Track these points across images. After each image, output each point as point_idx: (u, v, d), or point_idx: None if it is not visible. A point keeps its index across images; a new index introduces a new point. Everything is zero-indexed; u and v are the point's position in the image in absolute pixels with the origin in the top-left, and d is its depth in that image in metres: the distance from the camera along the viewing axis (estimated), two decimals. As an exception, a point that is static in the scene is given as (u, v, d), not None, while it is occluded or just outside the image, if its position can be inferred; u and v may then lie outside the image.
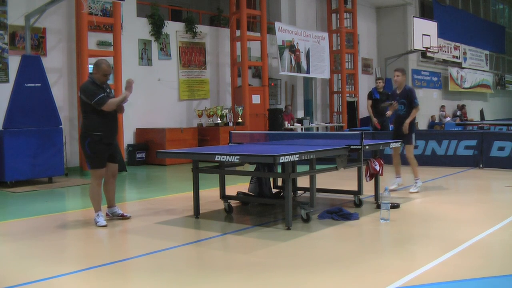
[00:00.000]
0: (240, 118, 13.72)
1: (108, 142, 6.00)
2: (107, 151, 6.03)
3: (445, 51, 24.10)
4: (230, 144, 7.34)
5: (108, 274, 4.30)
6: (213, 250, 5.05)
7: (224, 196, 6.59)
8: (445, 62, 24.91)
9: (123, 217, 6.25)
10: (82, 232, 5.83)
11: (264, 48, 14.79)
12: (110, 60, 11.62)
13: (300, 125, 15.74)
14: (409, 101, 7.79)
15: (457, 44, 25.08)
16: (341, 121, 18.28)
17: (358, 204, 6.81)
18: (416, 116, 8.00)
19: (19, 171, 9.19)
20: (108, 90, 6.04)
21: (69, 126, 11.59)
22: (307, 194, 6.83)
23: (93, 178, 6.06)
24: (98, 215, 5.96)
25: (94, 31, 11.72)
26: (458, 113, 24.09)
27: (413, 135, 7.88)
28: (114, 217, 6.26)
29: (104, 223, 5.90)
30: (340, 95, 18.53)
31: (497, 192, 8.55)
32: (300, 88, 17.62)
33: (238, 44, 14.49)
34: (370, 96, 11.99)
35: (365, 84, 20.11)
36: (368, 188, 6.98)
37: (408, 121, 7.76)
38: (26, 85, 9.40)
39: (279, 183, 7.42)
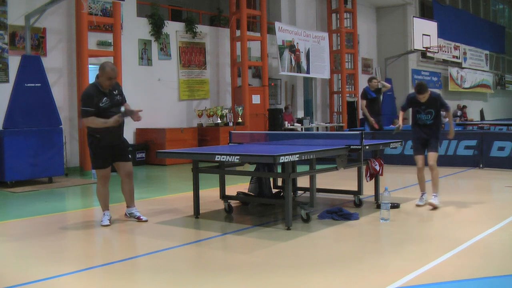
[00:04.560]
0: (240, 118, 13.72)
1: (108, 144, 5.90)
2: (108, 152, 5.92)
3: (445, 51, 24.10)
4: (230, 144, 7.33)
5: (108, 274, 4.30)
6: (213, 250, 5.05)
7: (224, 196, 6.59)
8: (445, 62, 24.92)
9: (139, 219, 6.12)
10: (82, 232, 5.83)
11: (264, 48, 14.79)
12: (110, 60, 11.63)
13: (300, 125, 15.74)
14: (439, 109, 6.80)
15: (457, 44, 25.08)
16: (341, 121, 18.28)
17: (358, 204, 6.81)
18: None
19: (19, 171, 9.19)
20: (115, 92, 5.88)
21: (69, 126, 11.60)
22: (307, 194, 6.83)
23: (97, 178, 6.08)
24: (104, 214, 5.98)
25: (94, 31, 11.72)
26: (459, 113, 24.06)
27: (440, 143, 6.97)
28: (131, 218, 6.18)
29: (107, 222, 5.90)
30: (340, 95, 18.54)
31: (497, 192, 8.55)
32: (300, 88, 17.63)
33: (238, 44, 14.49)
34: (365, 96, 11.74)
35: (365, 84, 19.93)
36: (368, 188, 6.97)
37: (452, 127, 7.09)
38: (26, 85, 9.39)
39: (279, 183, 7.42)
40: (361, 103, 11.91)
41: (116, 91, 5.93)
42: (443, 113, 7.17)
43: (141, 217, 6.14)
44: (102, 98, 5.76)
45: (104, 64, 5.81)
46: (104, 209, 6.02)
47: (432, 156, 6.74)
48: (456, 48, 25.11)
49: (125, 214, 6.26)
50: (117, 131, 5.94)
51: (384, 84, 12.51)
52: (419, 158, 6.84)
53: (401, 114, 7.25)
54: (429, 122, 6.83)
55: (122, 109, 5.78)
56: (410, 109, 7.13)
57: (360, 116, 18.70)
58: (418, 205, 6.78)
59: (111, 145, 5.93)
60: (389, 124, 17.07)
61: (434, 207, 6.53)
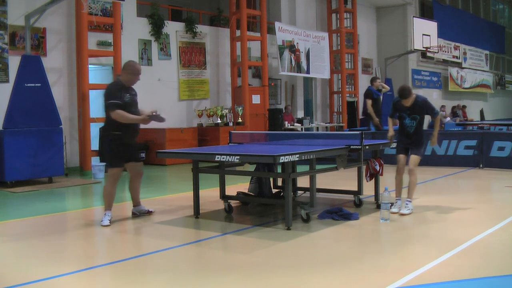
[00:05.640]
0: (240, 118, 13.72)
1: (128, 142, 6.04)
2: (126, 151, 6.04)
3: (445, 51, 24.10)
4: (230, 144, 7.33)
5: (108, 274, 4.30)
6: (213, 250, 5.05)
7: (224, 196, 6.59)
8: (445, 62, 24.92)
9: (149, 213, 6.40)
10: (82, 232, 5.83)
11: (264, 48, 14.79)
12: (110, 60, 11.65)
13: (300, 125, 15.74)
14: (424, 114, 6.50)
15: (457, 44, 25.09)
16: (341, 121, 18.28)
17: (358, 204, 6.81)
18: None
19: (19, 171, 9.19)
20: (134, 93, 6.12)
21: (69, 126, 11.60)
22: (307, 194, 6.82)
23: (109, 176, 6.10)
24: (105, 214, 5.99)
25: (94, 31, 11.72)
26: (450, 115, 23.93)
27: (423, 148, 6.58)
28: (141, 214, 6.35)
29: (107, 223, 5.91)
30: (340, 95, 18.54)
31: (497, 192, 8.55)
32: (300, 88, 17.63)
33: (238, 44, 14.49)
34: (371, 95, 11.77)
35: (365, 84, 19.99)
36: (368, 188, 6.97)
37: (436, 134, 6.63)
38: (26, 85, 9.39)
39: (279, 183, 7.42)
40: (367, 103, 11.86)
41: (134, 91, 6.20)
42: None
43: (150, 210, 6.43)
44: (125, 94, 5.97)
45: (131, 62, 6.24)
46: (107, 208, 6.03)
47: (414, 160, 6.35)
48: (456, 48, 25.12)
49: (133, 213, 6.36)
50: (136, 130, 6.12)
51: (384, 85, 12.54)
52: (401, 158, 6.48)
53: (390, 122, 6.90)
54: (412, 130, 6.46)
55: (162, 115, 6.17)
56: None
57: (360, 116, 18.72)
58: (392, 213, 6.11)
59: (131, 143, 6.06)
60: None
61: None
